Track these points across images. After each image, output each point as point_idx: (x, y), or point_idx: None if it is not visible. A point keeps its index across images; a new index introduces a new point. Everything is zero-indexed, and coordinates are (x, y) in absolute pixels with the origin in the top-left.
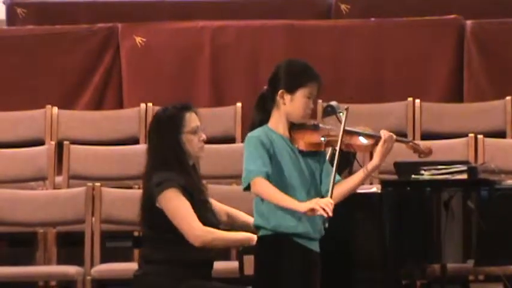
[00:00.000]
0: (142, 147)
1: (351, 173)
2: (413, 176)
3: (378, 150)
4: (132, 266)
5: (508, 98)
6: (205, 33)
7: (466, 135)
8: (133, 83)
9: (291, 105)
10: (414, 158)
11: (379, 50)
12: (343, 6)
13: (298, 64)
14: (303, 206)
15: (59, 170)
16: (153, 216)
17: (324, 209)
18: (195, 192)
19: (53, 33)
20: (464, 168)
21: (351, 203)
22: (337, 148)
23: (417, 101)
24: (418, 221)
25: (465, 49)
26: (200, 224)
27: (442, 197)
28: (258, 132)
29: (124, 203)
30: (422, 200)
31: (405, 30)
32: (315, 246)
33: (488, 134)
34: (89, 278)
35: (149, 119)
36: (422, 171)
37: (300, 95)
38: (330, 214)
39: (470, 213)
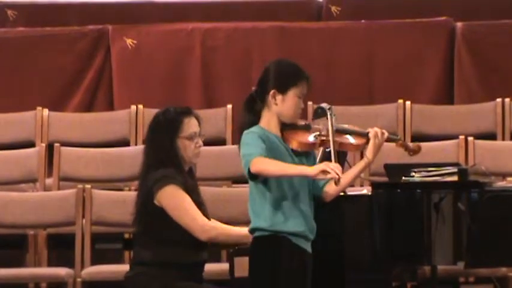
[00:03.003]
0: (132, 149)
1: None
2: (403, 178)
3: (370, 147)
4: (122, 268)
5: (499, 100)
6: (195, 35)
7: (457, 137)
8: (124, 85)
9: (283, 105)
10: (404, 160)
11: (370, 52)
12: (333, 8)
13: (289, 64)
14: (312, 170)
15: (49, 172)
16: (149, 214)
17: (334, 171)
18: (192, 193)
19: (44, 35)
20: (454, 170)
21: (341, 205)
22: (331, 148)
23: (408, 102)
24: (408, 223)
25: (455, 51)
26: (205, 219)
27: (432, 199)
28: (254, 128)
29: (114, 205)
30: (412, 202)
31: (396, 32)
32: (308, 247)
33: (479, 136)
34: (79, 279)
35: (140, 121)
36: (413, 173)
37: (292, 94)
38: (341, 175)
39: (460, 215)
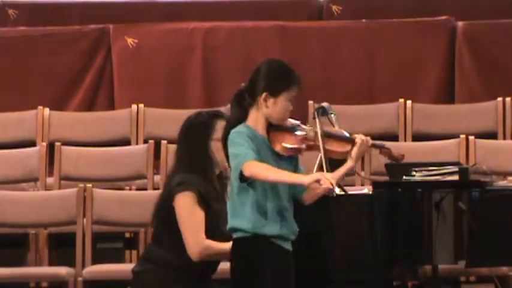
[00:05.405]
0: (133, 148)
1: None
2: (404, 177)
3: (353, 153)
4: (123, 267)
5: (499, 99)
6: (196, 34)
7: (458, 137)
8: (125, 84)
9: (273, 108)
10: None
11: (371, 51)
12: (334, 8)
13: (281, 67)
14: (307, 178)
15: (50, 171)
16: (169, 214)
17: (329, 181)
18: (212, 201)
19: (45, 34)
20: (455, 169)
21: (342, 204)
22: (322, 155)
23: (408, 102)
24: (409, 222)
25: (456, 50)
26: (203, 239)
27: (433, 198)
28: (242, 128)
29: (115, 204)
30: (413, 201)
31: (397, 32)
32: (289, 246)
33: (480, 135)
34: (80, 279)
35: (140, 120)
36: (414, 173)
37: (283, 98)
38: (335, 186)
39: (461, 214)
